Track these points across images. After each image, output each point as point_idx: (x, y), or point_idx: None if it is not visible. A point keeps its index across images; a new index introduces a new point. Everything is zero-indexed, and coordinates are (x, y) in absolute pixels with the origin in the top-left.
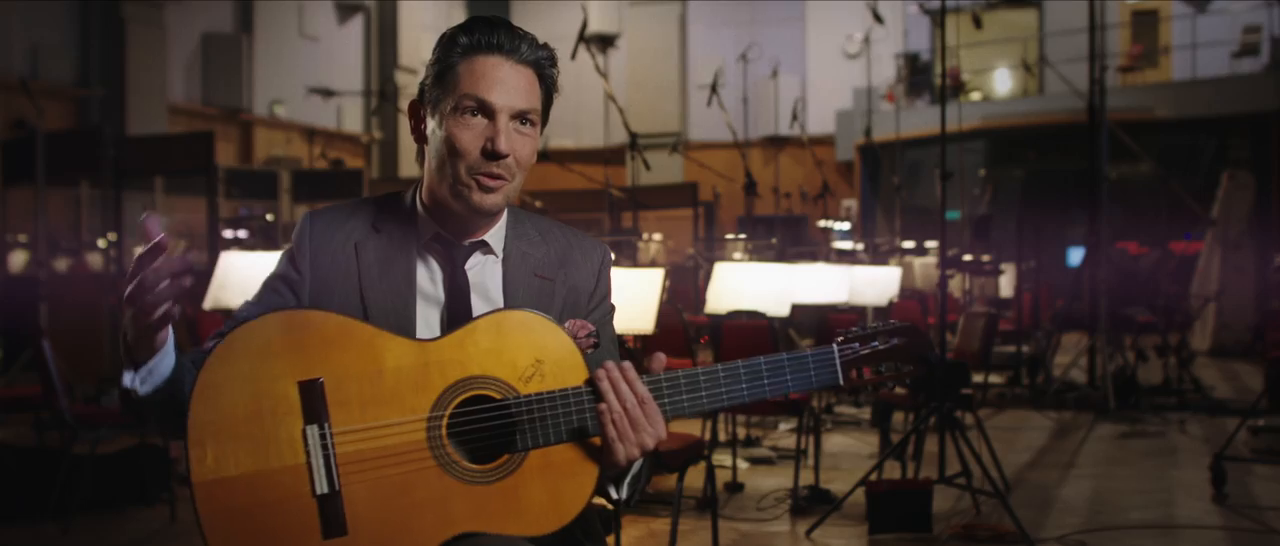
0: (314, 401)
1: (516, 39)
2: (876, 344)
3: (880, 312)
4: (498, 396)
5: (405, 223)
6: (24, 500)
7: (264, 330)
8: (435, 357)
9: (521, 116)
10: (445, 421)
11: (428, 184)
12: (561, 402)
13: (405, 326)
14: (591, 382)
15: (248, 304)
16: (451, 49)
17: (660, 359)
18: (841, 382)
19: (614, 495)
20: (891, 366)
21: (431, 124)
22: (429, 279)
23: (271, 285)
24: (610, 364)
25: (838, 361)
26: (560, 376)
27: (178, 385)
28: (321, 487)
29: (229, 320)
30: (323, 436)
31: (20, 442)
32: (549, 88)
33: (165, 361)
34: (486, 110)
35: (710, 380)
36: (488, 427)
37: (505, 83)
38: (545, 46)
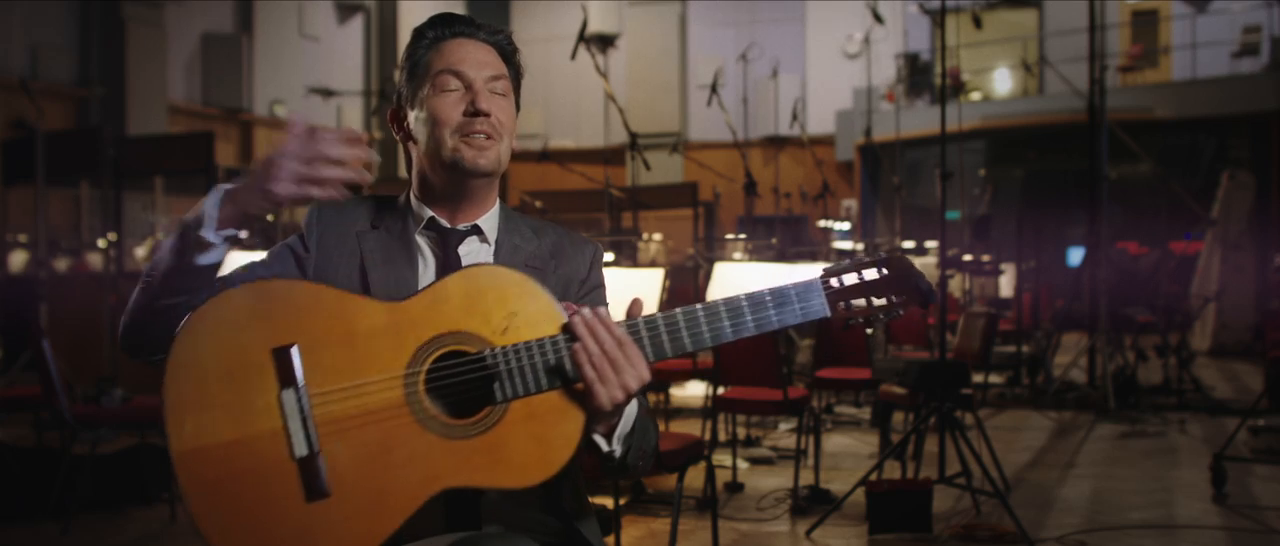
0: (287, 366)
1: (475, 26)
2: (863, 274)
3: (844, 256)
4: (473, 350)
5: (400, 216)
6: (24, 500)
7: (233, 302)
8: (407, 317)
9: (494, 81)
10: (422, 377)
11: (419, 175)
12: (539, 351)
13: None
14: (568, 329)
15: (256, 263)
16: (419, 44)
17: (638, 303)
18: (830, 314)
19: (606, 448)
20: (885, 297)
21: (412, 115)
22: (424, 265)
23: (279, 253)
24: (585, 309)
25: (822, 292)
26: (536, 327)
27: (198, 288)
28: (300, 450)
29: (238, 270)
30: (299, 399)
31: (20, 442)
32: (515, 68)
33: (220, 251)
34: (462, 78)
35: (690, 319)
36: (466, 381)
37: (473, 55)
38: (504, 31)
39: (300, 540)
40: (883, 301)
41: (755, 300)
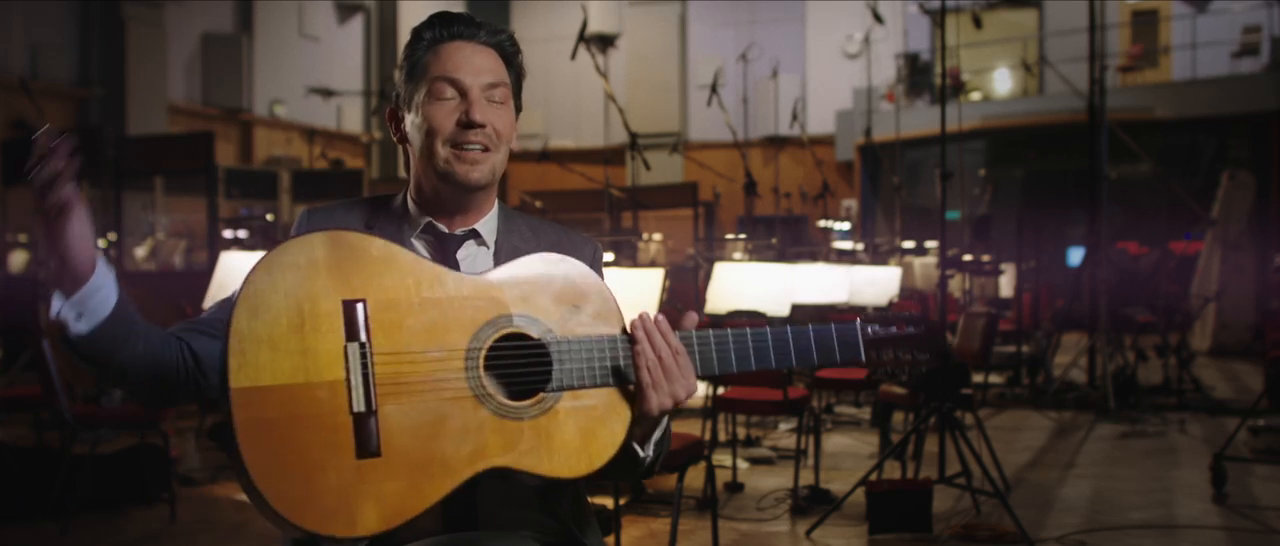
0: (355, 320)
1: (475, 27)
2: (896, 329)
3: (880, 312)
4: (536, 336)
5: (397, 219)
6: (24, 500)
7: (310, 246)
8: (477, 292)
9: (492, 88)
10: (484, 355)
11: (415, 179)
12: (597, 347)
13: None
14: (627, 331)
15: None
16: (417, 46)
17: (692, 317)
18: (862, 359)
19: (640, 453)
20: (909, 352)
21: (409, 119)
22: None
23: None
24: (646, 314)
25: (861, 338)
26: (597, 324)
27: (125, 336)
28: (359, 405)
29: (214, 306)
30: (363, 355)
31: (20, 442)
32: (515, 70)
33: (101, 292)
34: (458, 87)
35: (739, 342)
36: (524, 366)
37: (471, 61)
38: (505, 31)
39: (342, 494)
40: (909, 356)
41: (800, 336)
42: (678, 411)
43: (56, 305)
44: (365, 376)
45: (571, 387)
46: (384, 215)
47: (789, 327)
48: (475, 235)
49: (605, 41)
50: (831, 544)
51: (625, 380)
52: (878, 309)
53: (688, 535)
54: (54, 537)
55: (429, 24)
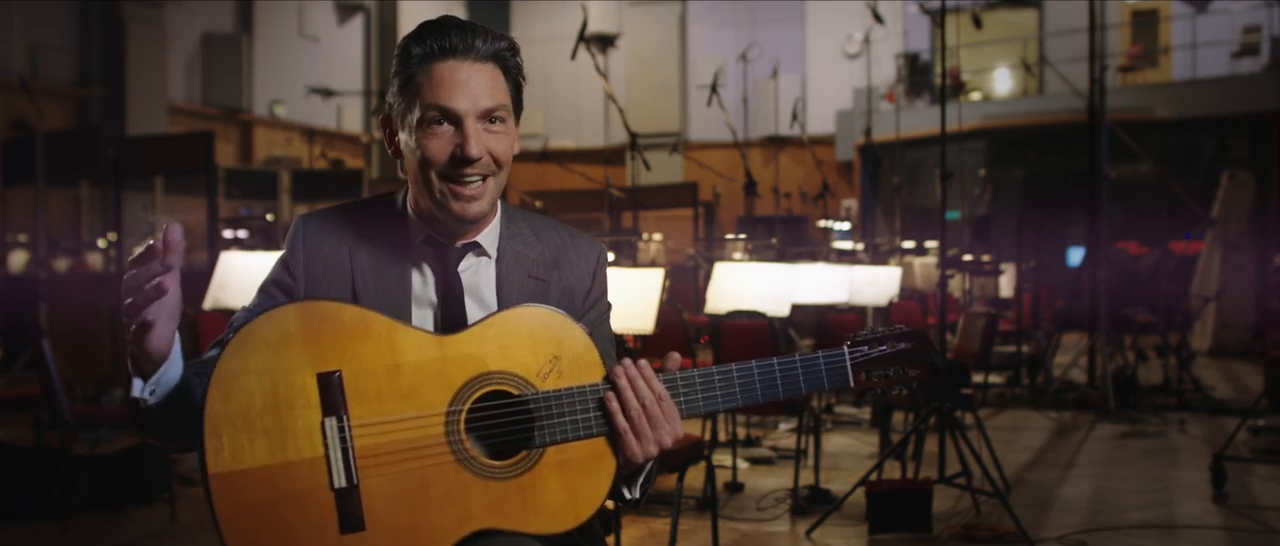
0: (332, 394)
1: (470, 36)
2: (885, 347)
3: (880, 313)
4: (516, 392)
5: (397, 226)
6: (24, 500)
7: (281, 321)
8: (453, 352)
9: (490, 115)
10: (464, 416)
11: (413, 190)
12: (579, 399)
13: None
14: (609, 379)
15: (244, 310)
16: (408, 60)
17: (675, 358)
18: (852, 384)
19: (627, 495)
20: (899, 370)
21: (403, 136)
22: (421, 282)
23: (266, 290)
24: (628, 361)
25: (849, 364)
26: (578, 373)
27: (186, 393)
28: (340, 481)
29: (228, 327)
30: (341, 429)
31: (20, 442)
32: (515, 78)
33: (172, 369)
34: (451, 117)
35: (725, 380)
36: (506, 423)
37: (466, 85)
38: (503, 37)
39: None
40: (899, 373)
41: (787, 367)
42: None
43: (137, 388)
44: (345, 451)
45: (553, 442)
46: (383, 221)
47: (775, 361)
48: (476, 247)
49: (605, 41)
50: (831, 544)
51: (608, 430)
52: (877, 309)
53: (688, 535)
54: (54, 537)
55: (419, 37)
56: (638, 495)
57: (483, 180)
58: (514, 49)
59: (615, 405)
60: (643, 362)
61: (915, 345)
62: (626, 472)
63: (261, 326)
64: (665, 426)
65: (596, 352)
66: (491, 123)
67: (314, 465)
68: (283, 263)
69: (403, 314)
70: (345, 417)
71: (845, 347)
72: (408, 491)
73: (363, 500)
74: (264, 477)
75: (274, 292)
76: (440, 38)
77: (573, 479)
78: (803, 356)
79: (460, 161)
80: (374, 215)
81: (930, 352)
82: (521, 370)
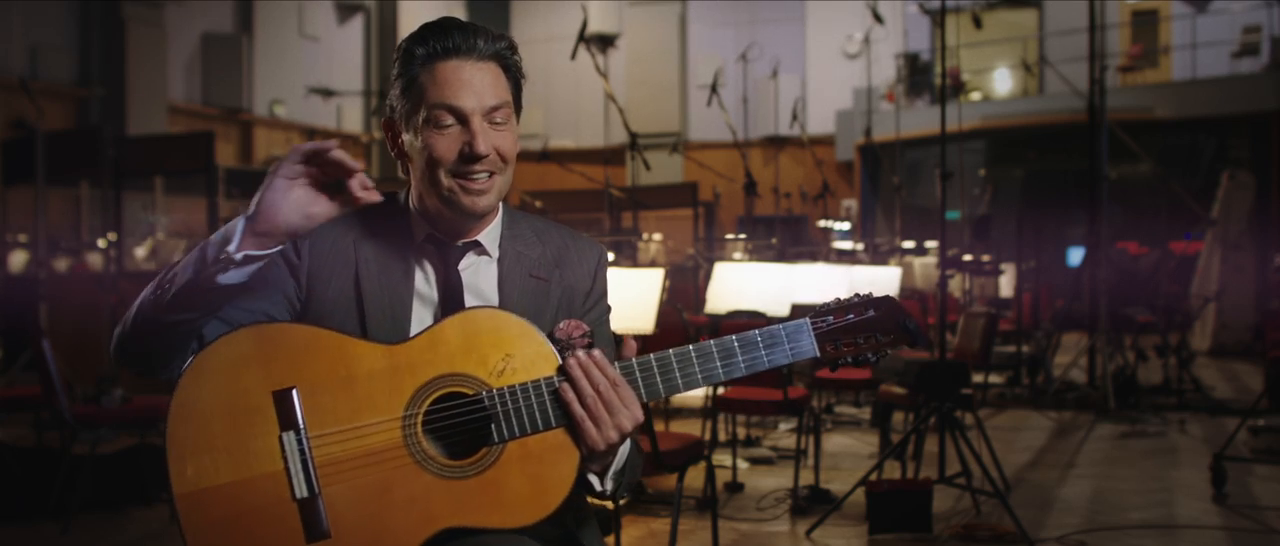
0: (288, 409)
1: (471, 36)
2: (852, 316)
3: (838, 300)
4: (470, 392)
5: (399, 224)
6: (24, 500)
7: (234, 345)
8: (405, 359)
9: (494, 112)
10: (420, 419)
11: (417, 189)
12: (535, 392)
13: (401, 325)
14: (563, 371)
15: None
16: (411, 61)
17: (631, 345)
18: (819, 354)
19: (599, 487)
20: (871, 337)
21: (407, 137)
22: (423, 280)
23: (271, 258)
24: (581, 352)
25: (811, 333)
26: (531, 368)
27: (216, 303)
28: (301, 491)
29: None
30: (300, 442)
31: (20, 442)
32: (515, 76)
33: (263, 268)
34: (458, 115)
35: (682, 361)
36: (463, 422)
37: (470, 84)
38: (502, 37)
39: None
40: (871, 341)
41: (746, 341)
42: (677, 411)
43: (236, 243)
44: (304, 462)
45: (513, 437)
46: (386, 219)
47: (734, 337)
48: (477, 246)
49: (605, 41)
50: (831, 544)
51: (567, 420)
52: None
53: (688, 535)
54: (54, 537)
55: (421, 38)
56: (611, 488)
57: (490, 176)
58: (513, 48)
59: (571, 394)
60: (596, 351)
61: (884, 311)
62: (592, 460)
63: (217, 352)
64: (624, 411)
65: (550, 348)
66: (496, 120)
67: (275, 478)
68: (292, 241)
69: (404, 310)
70: (303, 430)
71: (807, 318)
72: (369, 497)
73: (326, 508)
74: (228, 494)
75: (278, 262)
76: (443, 38)
77: (536, 471)
78: (762, 329)
79: (469, 158)
80: (377, 212)
81: (902, 316)
82: (475, 370)
